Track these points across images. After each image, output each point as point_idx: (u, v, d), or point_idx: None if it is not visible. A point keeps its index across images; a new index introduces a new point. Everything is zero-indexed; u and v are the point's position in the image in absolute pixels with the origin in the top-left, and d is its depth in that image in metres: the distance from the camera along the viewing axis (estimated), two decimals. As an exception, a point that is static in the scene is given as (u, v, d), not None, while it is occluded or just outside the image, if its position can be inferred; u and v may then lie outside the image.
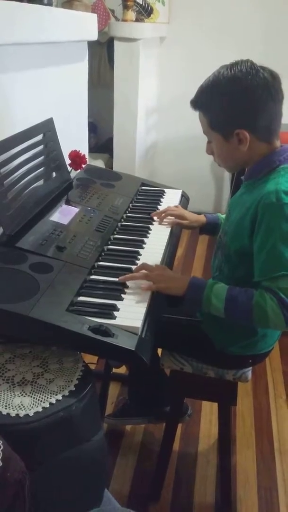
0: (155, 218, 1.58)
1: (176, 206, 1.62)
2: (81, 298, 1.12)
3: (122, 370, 1.97)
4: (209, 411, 1.91)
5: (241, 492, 1.60)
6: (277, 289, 1.07)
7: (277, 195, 1.08)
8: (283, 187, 1.09)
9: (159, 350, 1.49)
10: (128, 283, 1.20)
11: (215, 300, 1.15)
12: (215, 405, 1.65)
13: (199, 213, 1.60)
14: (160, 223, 1.56)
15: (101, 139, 3.65)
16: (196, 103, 1.20)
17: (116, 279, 1.21)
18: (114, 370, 1.88)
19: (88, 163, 1.78)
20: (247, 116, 1.14)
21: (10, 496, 0.80)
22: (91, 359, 1.17)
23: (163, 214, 1.57)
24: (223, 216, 1.55)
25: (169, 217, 1.57)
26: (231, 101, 1.13)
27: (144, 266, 1.24)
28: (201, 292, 1.16)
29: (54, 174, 1.61)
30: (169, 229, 1.54)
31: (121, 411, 1.76)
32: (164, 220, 1.56)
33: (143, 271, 1.22)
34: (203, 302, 1.16)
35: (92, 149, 2.90)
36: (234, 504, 1.55)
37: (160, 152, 3.70)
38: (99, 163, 3.13)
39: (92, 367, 1.12)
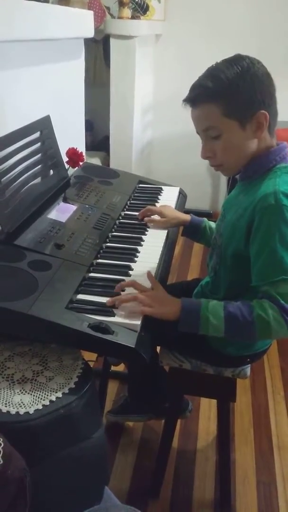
0: (139, 217, 1.55)
1: (163, 206, 1.58)
2: (80, 296, 1.12)
3: (121, 368, 1.97)
4: (207, 408, 1.91)
5: (240, 488, 1.60)
6: (277, 295, 1.03)
7: (275, 196, 1.05)
8: (282, 189, 1.06)
9: (158, 347, 1.49)
10: (126, 278, 1.19)
11: (214, 319, 1.08)
12: (214, 402, 1.66)
13: (195, 211, 1.59)
14: (141, 219, 1.54)
15: (97, 137, 3.64)
16: (200, 96, 1.12)
17: (116, 277, 1.21)
18: (112, 368, 1.88)
19: (85, 160, 1.78)
20: (268, 97, 1.11)
21: (11, 494, 0.80)
22: (89, 357, 1.17)
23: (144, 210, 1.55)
24: (211, 223, 1.51)
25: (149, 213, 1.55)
26: (252, 82, 1.08)
27: (134, 284, 1.15)
28: (197, 313, 1.09)
29: (51, 171, 1.60)
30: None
31: (121, 408, 1.76)
32: (144, 218, 1.53)
33: (131, 290, 1.14)
34: (200, 324, 1.09)
35: (88, 147, 2.90)
36: (233, 500, 1.56)
37: (156, 150, 3.69)
38: (96, 161, 3.13)
39: (91, 364, 1.12)
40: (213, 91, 1.10)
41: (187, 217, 1.52)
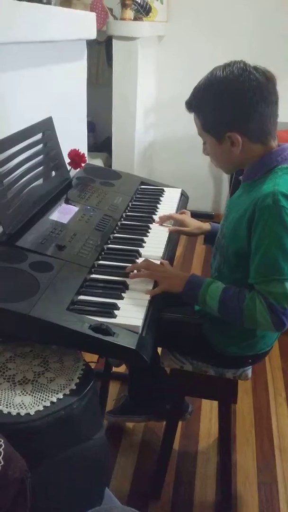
0: (156, 219, 1.58)
1: (182, 212, 1.60)
2: (82, 297, 1.12)
3: (122, 369, 1.97)
4: (209, 409, 1.91)
5: (241, 489, 1.60)
6: (267, 294, 1.08)
7: (274, 197, 1.06)
8: (281, 189, 1.07)
9: (159, 349, 1.49)
10: (128, 281, 1.20)
11: (210, 300, 1.17)
12: (215, 403, 1.66)
13: (197, 213, 1.59)
14: (160, 224, 1.55)
15: (99, 138, 3.65)
16: (191, 105, 1.19)
17: (117, 278, 1.21)
18: (114, 369, 1.88)
19: (87, 162, 1.78)
20: (238, 119, 1.12)
21: (12, 495, 0.80)
22: (91, 358, 1.17)
23: (164, 217, 1.57)
24: None
25: (171, 220, 1.56)
26: (221, 104, 1.12)
27: (148, 263, 1.26)
28: (197, 290, 1.19)
29: (53, 173, 1.61)
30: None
31: (122, 409, 1.76)
32: (164, 224, 1.56)
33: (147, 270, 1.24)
34: (199, 301, 1.20)
35: (91, 148, 2.90)
36: (234, 501, 1.56)
37: (158, 151, 3.70)
38: (98, 162, 3.13)
39: (92, 366, 1.12)
40: (195, 104, 1.18)
41: (208, 226, 1.53)
